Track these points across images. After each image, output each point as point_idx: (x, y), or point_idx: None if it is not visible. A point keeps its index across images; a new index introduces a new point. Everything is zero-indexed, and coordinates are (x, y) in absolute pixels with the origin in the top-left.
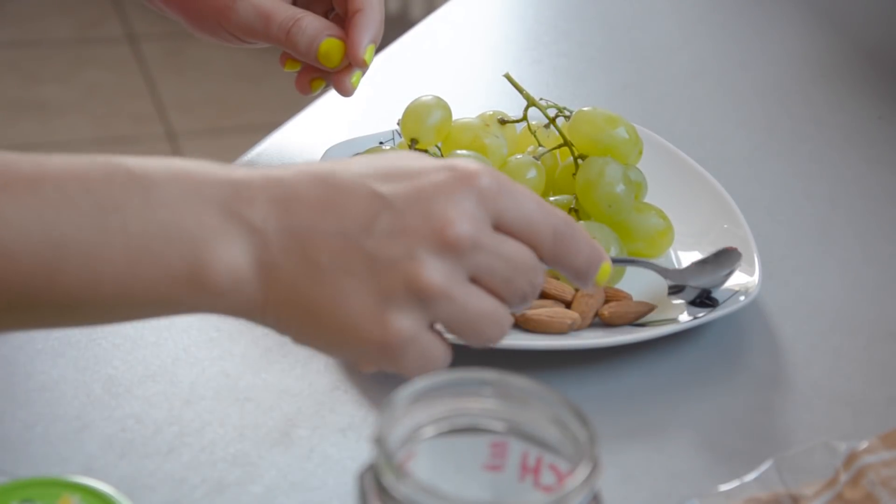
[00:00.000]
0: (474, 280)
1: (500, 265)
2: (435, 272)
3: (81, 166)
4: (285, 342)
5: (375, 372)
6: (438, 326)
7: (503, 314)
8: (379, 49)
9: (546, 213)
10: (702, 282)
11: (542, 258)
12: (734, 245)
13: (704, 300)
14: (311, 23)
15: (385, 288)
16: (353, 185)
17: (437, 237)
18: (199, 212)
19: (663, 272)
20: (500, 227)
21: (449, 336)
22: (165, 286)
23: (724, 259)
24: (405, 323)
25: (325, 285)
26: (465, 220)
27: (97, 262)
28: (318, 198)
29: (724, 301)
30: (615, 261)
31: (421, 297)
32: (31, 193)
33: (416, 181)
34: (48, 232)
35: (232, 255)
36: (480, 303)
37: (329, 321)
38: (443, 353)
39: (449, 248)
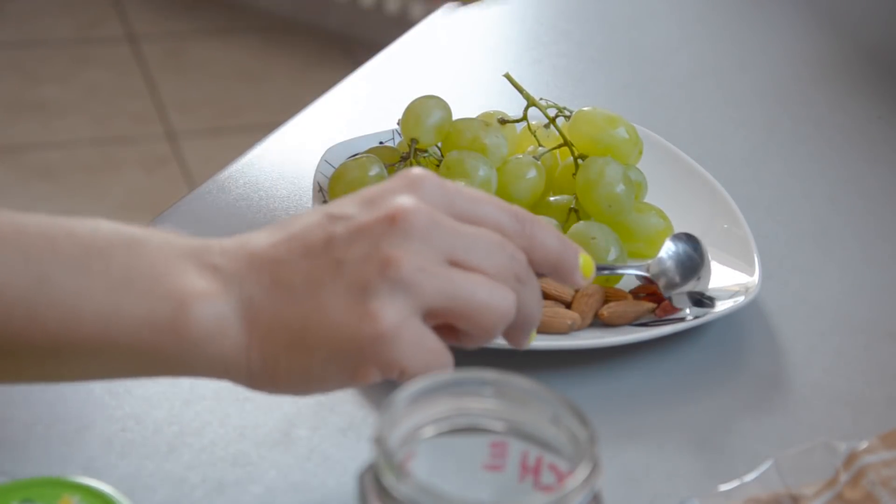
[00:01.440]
0: (454, 263)
1: (470, 242)
2: (403, 251)
3: (67, 220)
4: None
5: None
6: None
7: (503, 289)
8: (379, 49)
9: (501, 203)
10: (690, 287)
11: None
12: (735, 245)
13: (703, 300)
14: None
15: (360, 283)
16: (305, 217)
17: (394, 225)
18: (178, 263)
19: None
20: (457, 217)
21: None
22: (148, 332)
23: (692, 259)
24: (389, 310)
25: (304, 303)
26: (417, 205)
27: (79, 302)
28: (277, 237)
29: (724, 301)
30: (600, 268)
31: (397, 281)
32: (16, 234)
33: (363, 193)
34: (31, 270)
35: (213, 300)
36: (469, 279)
37: (316, 337)
38: (441, 346)
39: (409, 231)
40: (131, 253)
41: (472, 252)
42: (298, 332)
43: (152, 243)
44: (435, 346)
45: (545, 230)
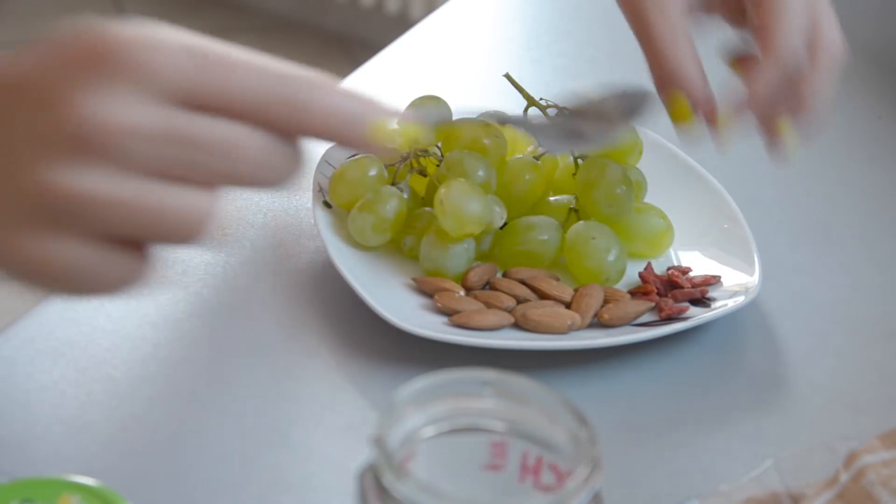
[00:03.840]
0: (166, 174)
1: (194, 154)
2: (70, 179)
3: None
4: (285, 343)
5: (363, 368)
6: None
7: (201, 199)
8: (379, 49)
9: (266, 70)
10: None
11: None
12: (735, 245)
13: (702, 300)
14: None
15: (15, 207)
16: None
17: (70, 135)
18: None
19: (534, 130)
20: (197, 99)
21: None
22: None
23: (630, 103)
24: (48, 249)
25: None
26: (107, 109)
27: None
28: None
29: (724, 301)
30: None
31: (63, 211)
32: None
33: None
34: None
35: None
36: (169, 200)
37: None
38: (135, 268)
39: (89, 145)
40: None
41: (194, 166)
42: None
43: None
44: (122, 274)
45: (326, 100)
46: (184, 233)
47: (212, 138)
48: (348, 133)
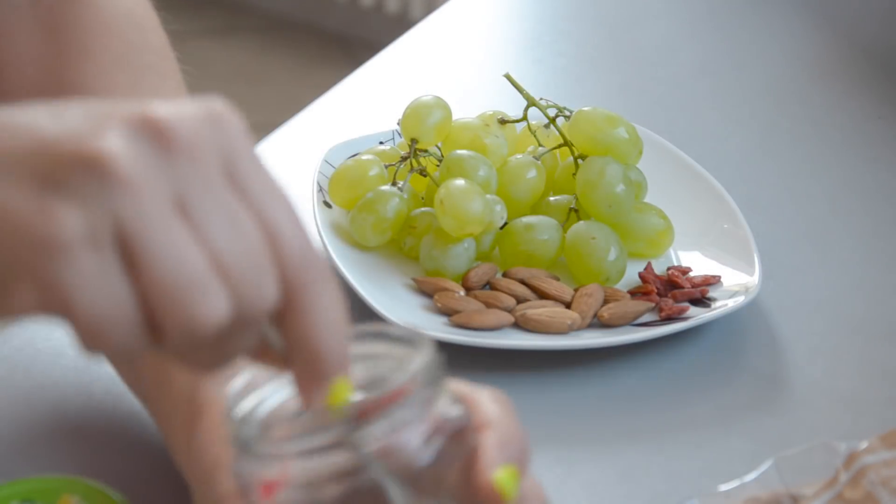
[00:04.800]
0: (186, 216)
1: (221, 218)
2: (120, 144)
3: None
4: None
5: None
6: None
7: (215, 288)
8: (379, 49)
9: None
10: None
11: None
12: (735, 245)
13: (702, 300)
14: None
15: (50, 167)
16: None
17: (138, 116)
18: None
19: None
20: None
21: None
22: None
23: None
24: (72, 216)
25: None
26: (181, 118)
27: None
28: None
29: (724, 301)
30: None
31: (97, 178)
32: None
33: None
34: None
35: None
36: (180, 243)
37: None
38: (128, 298)
39: (153, 131)
40: None
41: (213, 227)
42: None
43: None
44: (110, 294)
45: (321, 304)
46: (188, 298)
47: (237, 217)
48: (321, 351)
